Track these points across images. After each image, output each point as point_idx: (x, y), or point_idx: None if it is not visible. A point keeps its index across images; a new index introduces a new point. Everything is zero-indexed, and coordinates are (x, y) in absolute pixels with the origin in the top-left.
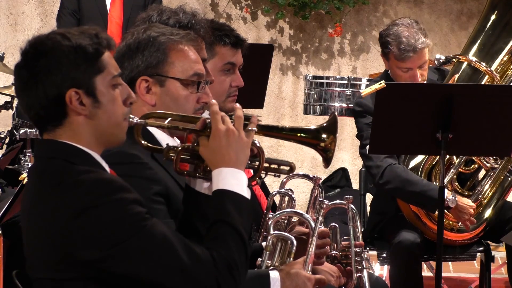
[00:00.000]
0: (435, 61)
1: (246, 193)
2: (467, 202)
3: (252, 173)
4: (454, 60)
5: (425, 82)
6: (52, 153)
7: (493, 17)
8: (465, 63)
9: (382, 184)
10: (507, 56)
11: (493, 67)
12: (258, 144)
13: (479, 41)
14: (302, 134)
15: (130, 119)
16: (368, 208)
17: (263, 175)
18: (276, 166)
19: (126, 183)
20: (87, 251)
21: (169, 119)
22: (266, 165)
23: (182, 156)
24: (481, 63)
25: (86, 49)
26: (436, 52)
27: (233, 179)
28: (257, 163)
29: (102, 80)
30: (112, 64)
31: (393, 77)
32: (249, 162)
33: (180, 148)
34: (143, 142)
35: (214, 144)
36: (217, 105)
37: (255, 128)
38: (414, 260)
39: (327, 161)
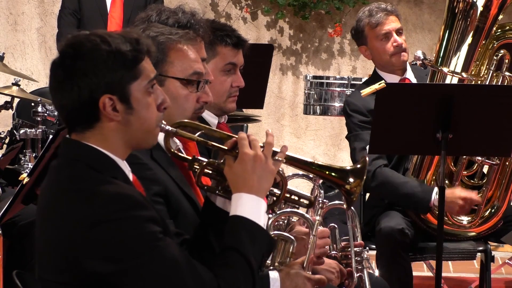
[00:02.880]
0: (414, 58)
1: (263, 223)
2: (452, 195)
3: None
4: (431, 67)
5: (406, 49)
6: (76, 155)
7: (455, 22)
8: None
9: (373, 188)
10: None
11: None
12: (282, 174)
13: (449, 48)
14: (330, 173)
15: (162, 125)
16: None
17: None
18: (296, 198)
19: (144, 198)
20: (96, 263)
21: (201, 131)
22: (286, 195)
23: (206, 170)
24: (454, 73)
25: (125, 55)
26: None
27: (252, 207)
28: (278, 192)
29: (137, 87)
30: (150, 69)
31: (379, 58)
32: (270, 189)
33: (205, 163)
34: (172, 150)
35: (239, 167)
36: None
37: (283, 159)
38: (397, 246)
39: (348, 204)
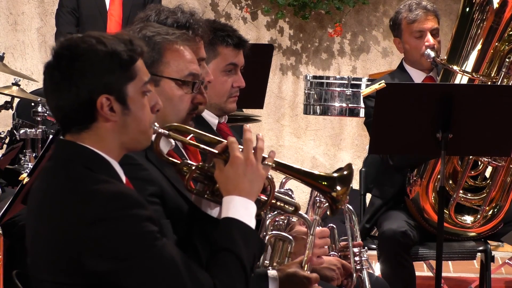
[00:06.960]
0: (425, 56)
1: (254, 225)
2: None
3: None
4: (442, 64)
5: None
6: (71, 156)
7: (469, 21)
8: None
9: (395, 163)
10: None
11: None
12: (271, 178)
13: (461, 47)
14: (317, 180)
15: (155, 128)
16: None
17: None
18: (282, 204)
19: (141, 198)
20: (95, 261)
21: (191, 135)
22: (273, 201)
23: (195, 174)
24: (465, 72)
25: (121, 55)
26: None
27: (243, 209)
28: (264, 198)
29: (133, 87)
30: (144, 71)
31: (410, 54)
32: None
33: (194, 167)
34: (164, 154)
35: (230, 170)
36: (249, 132)
37: (272, 164)
38: (400, 249)
39: (333, 212)
